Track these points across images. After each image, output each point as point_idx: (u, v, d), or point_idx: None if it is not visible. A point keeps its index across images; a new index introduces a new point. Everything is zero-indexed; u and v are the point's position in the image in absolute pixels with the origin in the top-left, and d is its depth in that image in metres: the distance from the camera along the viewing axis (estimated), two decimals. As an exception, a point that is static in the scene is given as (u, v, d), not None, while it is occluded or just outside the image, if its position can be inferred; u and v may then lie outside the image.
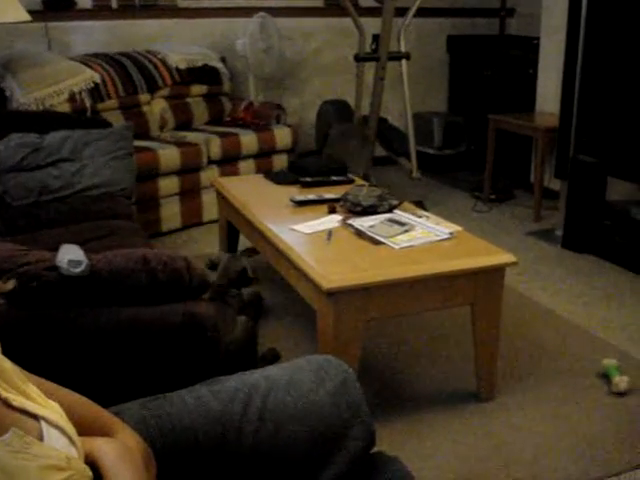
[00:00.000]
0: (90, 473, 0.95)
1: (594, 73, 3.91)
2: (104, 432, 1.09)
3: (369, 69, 4.90)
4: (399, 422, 2.45)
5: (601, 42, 3.84)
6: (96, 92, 4.39)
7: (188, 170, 4.39)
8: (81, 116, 4.12)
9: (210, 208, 4.43)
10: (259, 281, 3.14)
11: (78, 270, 1.54)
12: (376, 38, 4.63)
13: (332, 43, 5.88)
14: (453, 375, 2.77)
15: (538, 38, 5.14)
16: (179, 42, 5.21)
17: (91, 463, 0.99)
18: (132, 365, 1.61)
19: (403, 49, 4.70)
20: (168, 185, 4.30)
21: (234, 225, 3.40)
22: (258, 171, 4.64)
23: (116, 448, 1.02)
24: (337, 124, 4.85)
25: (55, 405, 0.99)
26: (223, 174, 4.50)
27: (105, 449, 1.01)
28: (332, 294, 2.17)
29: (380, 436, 2.32)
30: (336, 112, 5.35)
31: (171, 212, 4.37)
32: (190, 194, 4.46)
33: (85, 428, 1.04)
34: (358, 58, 4.63)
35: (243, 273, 2.87)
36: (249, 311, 2.90)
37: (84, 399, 1.12)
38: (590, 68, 3.93)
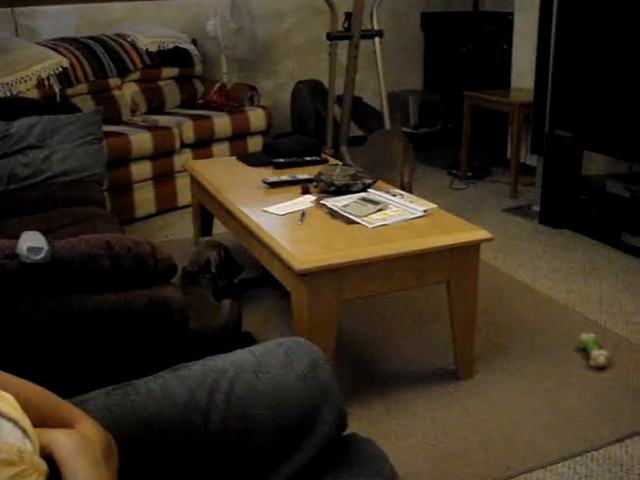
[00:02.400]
0: (45, 467, 0.91)
1: (568, 47, 3.88)
2: (63, 423, 1.05)
3: (342, 48, 4.85)
4: (377, 402, 2.43)
5: (574, 16, 3.81)
6: (65, 77, 4.32)
7: (161, 154, 4.34)
8: (49, 102, 4.04)
9: (185, 192, 4.38)
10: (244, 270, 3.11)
11: (38, 257, 1.49)
12: (349, 16, 4.58)
13: (304, 23, 5.82)
14: (431, 354, 2.75)
15: (512, 14, 5.11)
16: (149, 24, 5.13)
17: (47, 456, 0.95)
18: (97, 353, 1.57)
19: (376, 27, 4.65)
20: (141, 170, 4.24)
21: (207, 209, 3.35)
22: (232, 154, 4.59)
23: (73, 440, 0.98)
24: (378, 131, 4.62)
25: (9, 396, 0.95)
26: (197, 158, 4.45)
27: (62, 441, 0.98)
28: (305, 275, 2.14)
29: (358, 416, 2.31)
30: (310, 92, 5.30)
31: (145, 197, 4.31)
32: (164, 179, 4.41)
33: (43, 419, 1.00)
34: (331, 37, 4.57)
35: (208, 265, 2.85)
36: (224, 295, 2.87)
37: (41, 389, 1.07)
38: (564, 42, 3.90)
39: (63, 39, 4.60)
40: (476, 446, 2.20)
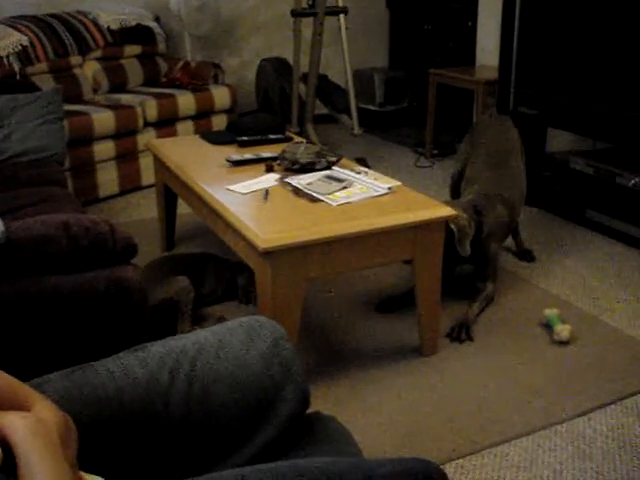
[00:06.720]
0: (-1, 452, 0.89)
1: (532, 25, 3.88)
2: (19, 405, 1.02)
3: (307, 25, 4.80)
4: (343, 380, 2.43)
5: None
6: (25, 55, 4.23)
7: (124, 134, 4.28)
8: (8, 81, 3.96)
9: (149, 172, 4.32)
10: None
11: (-7, 238, 1.46)
12: (313, -7, 4.54)
13: (269, -1, 5.77)
14: (396, 331, 2.75)
15: (477, -10, 5.10)
16: (110, 1, 5.04)
17: (3, 440, 0.93)
18: (56, 335, 1.55)
19: (340, 3, 4.62)
20: (103, 150, 4.19)
21: (171, 188, 3.31)
22: (197, 132, 4.54)
23: (29, 423, 0.96)
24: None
25: (-39, 379, 0.92)
26: (160, 136, 4.39)
27: (16, 425, 0.95)
28: (268, 253, 2.12)
29: (323, 394, 2.31)
30: (275, 70, 5.26)
31: (108, 177, 4.26)
32: (127, 158, 4.35)
33: None
34: (295, 13, 4.53)
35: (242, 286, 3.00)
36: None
37: (-3, 371, 1.05)
38: (528, 20, 3.90)
39: (23, 17, 4.51)
40: (442, 421, 2.21)
